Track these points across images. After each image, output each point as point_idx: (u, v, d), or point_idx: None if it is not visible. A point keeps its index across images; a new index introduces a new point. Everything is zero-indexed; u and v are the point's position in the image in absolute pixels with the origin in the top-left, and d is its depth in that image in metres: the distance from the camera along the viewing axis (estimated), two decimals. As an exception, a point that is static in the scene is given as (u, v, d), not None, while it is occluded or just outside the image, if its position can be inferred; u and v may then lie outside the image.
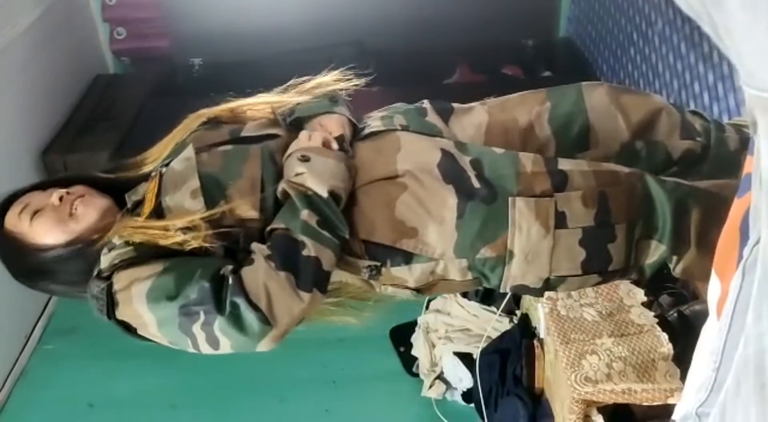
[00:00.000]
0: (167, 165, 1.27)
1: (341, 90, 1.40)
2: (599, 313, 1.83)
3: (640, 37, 2.78)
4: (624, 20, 2.94)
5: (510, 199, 1.19)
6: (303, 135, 1.27)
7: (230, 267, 1.11)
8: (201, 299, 1.08)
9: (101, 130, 2.99)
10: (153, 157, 1.35)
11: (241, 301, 1.07)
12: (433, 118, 1.35)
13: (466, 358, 2.22)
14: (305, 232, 1.12)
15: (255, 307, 1.07)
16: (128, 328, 1.16)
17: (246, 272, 1.10)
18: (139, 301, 1.12)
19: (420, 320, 2.39)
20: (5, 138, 2.62)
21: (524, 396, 1.99)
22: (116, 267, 1.15)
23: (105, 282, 1.15)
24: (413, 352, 2.40)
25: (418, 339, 2.38)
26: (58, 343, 2.65)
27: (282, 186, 1.18)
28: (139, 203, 1.25)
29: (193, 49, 3.61)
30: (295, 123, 1.33)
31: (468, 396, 2.26)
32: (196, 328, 1.09)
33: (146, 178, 1.31)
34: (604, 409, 1.78)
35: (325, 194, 1.15)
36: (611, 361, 1.71)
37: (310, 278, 1.11)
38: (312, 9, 3.55)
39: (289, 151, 1.24)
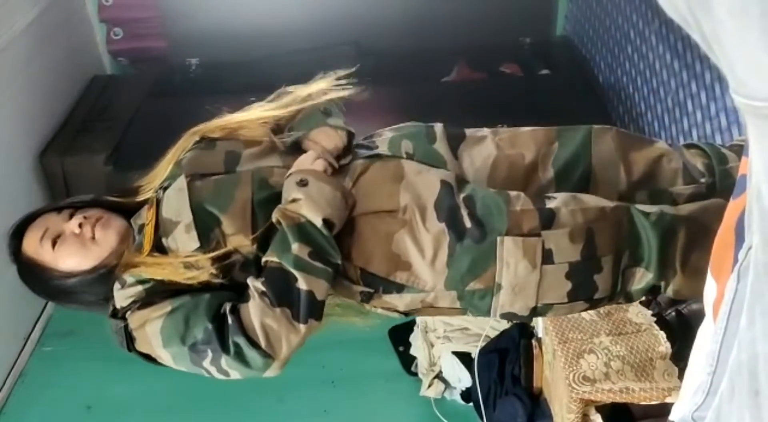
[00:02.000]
0: (165, 189, 1.30)
1: (335, 97, 1.41)
2: (597, 312, 1.84)
3: (637, 36, 2.78)
4: (621, 19, 2.93)
5: (498, 238, 1.22)
6: (303, 157, 1.28)
7: (229, 305, 1.16)
8: (207, 339, 1.15)
9: (99, 132, 2.98)
10: (153, 181, 1.36)
11: (241, 341, 1.13)
12: (441, 145, 1.36)
13: (464, 358, 2.22)
14: (297, 266, 1.15)
15: (255, 345, 1.13)
16: (149, 358, 1.22)
17: (243, 311, 1.15)
18: (153, 339, 1.19)
19: (419, 320, 2.39)
20: (2, 141, 2.61)
21: (523, 395, 2.00)
22: (129, 308, 1.21)
23: (121, 321, 1.21)
24: (412, 352, 2.40)
25: (416, 339, 2.38)
26: (56, 345, 2.65)
27: (276, 215, 1.20)
28: (143, 227, 1.29)
29: (190, 50, 3.60)
30: (295, 145, 1.34)
31: (467, 395, 2.26)
32: (207, 363, 1.16)
33: (140, 203, 1.35)
34: (602, 408, 1.79)
35: (319, 222, 1.17)
36: (609, 360, 1.71)
37: (305, 310, 1.15)
38: (309, 9, 3.54)
39: (290, 171, 1.26)
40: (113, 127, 3.02)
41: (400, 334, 2.48)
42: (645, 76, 2.71)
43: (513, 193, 1.28)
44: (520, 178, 1.36)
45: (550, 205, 1.26)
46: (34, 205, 2.77)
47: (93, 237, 1.26)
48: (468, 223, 1.24)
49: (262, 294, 1.15)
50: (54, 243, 1.26)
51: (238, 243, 1.21)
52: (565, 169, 1.36)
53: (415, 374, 2.38)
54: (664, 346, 1.73)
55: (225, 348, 1.14)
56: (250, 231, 1.21)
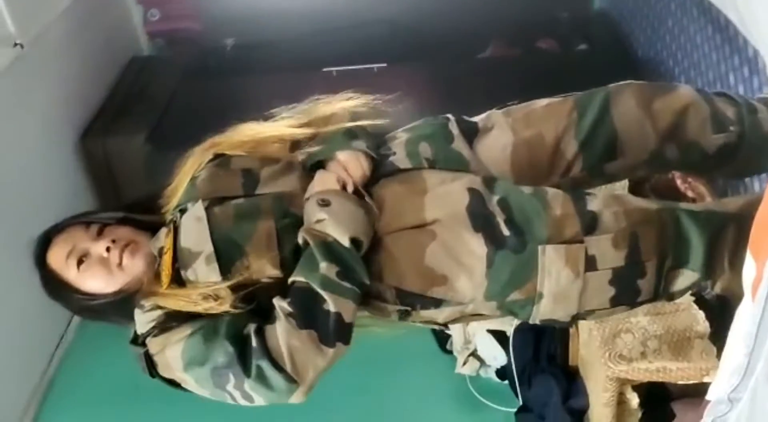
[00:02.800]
0: (182, 211, 1.25)
1: (358, 123, 1.33)
2: (634, 291, 1.82)
3: (678, 8, 2.71)
4: (661, -9, 2.86)
5: (540, 247, 1.17)
6: (319, 176, 1.23)
7: (254, 326, 1.12)
8: (228, 363, 1.10)
9: (137, 113, 3.03)
10: (170, 196, 1.31)
11: (265, 364, 1.08)
12: (459, 144, 1.31)
13: (499, 336, 2.23)
14: (325, 287, 1.10)
15: (279, 368, 1.08)
16: (173, 383, 1.19)
17: (269, 332, 1.11)
18: (173, 364, 1.15)
19: (454, 298, 2.40)
20: (45, 123, 2.67)
21: (558, 373, 2.00)
22: (149, 334, 1.18)
23: (141, 347, 1.18)
24: (447, 330, 2.41)
25: (451, 317, 2.39)
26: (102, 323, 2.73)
27: (302, 234, 1.16)
28: (163, 250, 1.24)
29: (226, 30, 3.63)
30: (316, 166, 1.28)
31: (502, 373, 2.27)
32: (230, 388, 1.12)
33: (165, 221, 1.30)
34: (638, 387, 1.78)
35: (346, 242, 1.13)
36: (646, 339, 1.70)
37: (333, 333, 1.10)
38: (344, -14, 3.54)
39: (307, 194, 1.21)
40: (152, 107, 3.06)
41: (436, 312, 2.49)
42: (685, 50, 2.65)
43: (550, 193, 1.23)
44: (544, 160, 1.31)
45: (592, 206, 1.20)
46: (77, 186, 2.87)
47: (120, 264, 1.23)
48: (506, 231, 1.18)
49: (288, 315, 1.10)
50: (80, 263, 1.23)
51: (265, 272, 1.17)
52: (588, 138, 1.30)
53: (450, 352, 2.40)
54: (703, 326, 1.72)
55: (247, 372, 1.09)
56: (278, 262, 1.17)
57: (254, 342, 1.09)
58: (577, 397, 1.92)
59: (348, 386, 2.37)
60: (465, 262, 1.18)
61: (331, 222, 1.14)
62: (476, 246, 1.18)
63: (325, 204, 1.16)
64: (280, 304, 1.12)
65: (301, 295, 1.12)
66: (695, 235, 1.20)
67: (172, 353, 1.15)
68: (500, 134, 1.33)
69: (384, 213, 1.22)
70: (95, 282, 1.23)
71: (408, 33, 3.50)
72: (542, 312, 1.20)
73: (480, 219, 1.19)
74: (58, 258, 1.25)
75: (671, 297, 1.26)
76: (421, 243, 1.19)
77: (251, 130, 1.32)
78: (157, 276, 1.22)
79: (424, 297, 1.20)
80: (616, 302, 1.21)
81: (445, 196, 1.22)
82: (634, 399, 1.79)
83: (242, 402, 1.14)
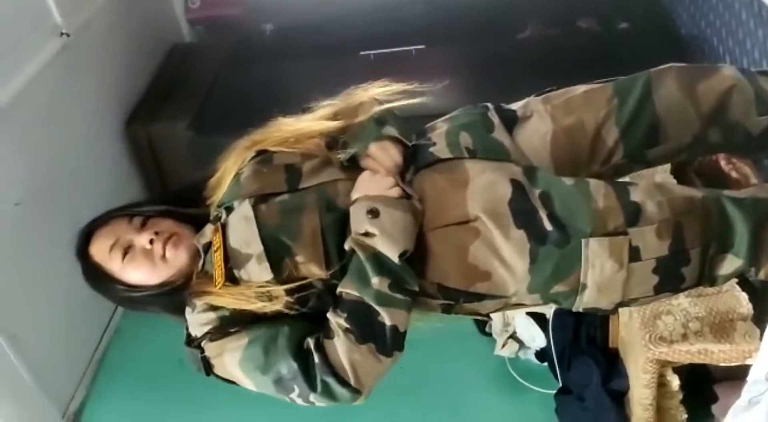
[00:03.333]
0: (228, 209, 1.26)
1: (389, 106, 1.34)
2: (675, 273, 1.80)
3: (723, -16, 2.64)
4: (706, -34, 2.79)
5: (583, 240, 1.17)
6: (372, 180, 1.23)
7: (313, 341, 1.14)
8: (293, 376, 1.14)
9: (180, 99, 3.08)
10: (212, 190, 1.32)
11: (331, 380, 1.12)
12: (500, 133, 1.31)
13: (538, 318, 2.23)
14: (379, 302, 1.13)
15: (345, 383, 1.13)
16: (229, 380, 1.22)
17: (329, 348, 1.13)
18: (232, 369, 1.18)
19: (492, 280, 2.40)
20: (91, 111, 2.74)
21: (598, 355, 1.99)
22: (204, 338, 1.20)
23: (198, 350, 1.21)
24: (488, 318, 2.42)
25: (490, 299, 2.39)
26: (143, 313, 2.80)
27: (350, 244, 1.17)
28: (209, 246, 1.25)
29: (264, 15, 3.65)
30: (352, 160, 1.29)
31: (541, 355, 2.27)
32: (293, 396, 1.16)
33: (208, 214, 1.31)
34: (679, 369, 1.77)
35: (397, 259, 1.14)
36: (687, 321, 1.69)
37: (390, 345, 1.14)
38: (380, -32, 3.53)
39: (354, 195, 1.21)
40: (194, 93, 3.11)
41: (475, 294, 2.50)
42: (730, 27, 2.59)
43: (592, 184, 1.22)
44: (584, 148, 1.30)
45: (634, 197, 1.20)
46: (123, 171, 2.94)
47: (163, 256, 1.24)
48: (548, 226, 1.18)
49: (346, 331, 1.13)
50: (123, 255, 1.24)
51: (311, 273, 1.18)
52: (629, 125, 1.29)
53: (489, 334, 2.40)
54: (746, 308, 1.69)
55: (313, 387, 1.13)
56: (323, 260, 1.18)
57: (317, 358, 1.13)
58: (617, 379, 1.91)
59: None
60: (508, 259, 1.19)
61: (381, 239, 1.15)
62: (519, 242, 1.18)
63: (374, 214, 1.16)
64: (337, 320, 1.14)
65: (356, 310, 1.14)
66: (740, 222, 1.19)
67: (231, 360, 1.18)
68: (539, 122, 1.32)
69: (426, 207, 1.22)
70: (139, 274, 1.25)
71: (445, 14, 3.48)
72: (586, 301, 1.21)
73: (522, 215, 1.19)
74: (101, 250, 1.26)
75: (714, 282, 1.25)
76: (464, 242, 1.20)
77: (289, 126, 1.32)
78: (206, 274, 1.22)
79: (467, 292, 1.22)
80: (660, 289, 1.21)
81: (487, 189, 1.22)
82: (674, 381, 1.77)
83: (303, 405, 1.18)
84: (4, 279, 2.13)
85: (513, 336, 2.31)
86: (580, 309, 1.24)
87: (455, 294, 1.23)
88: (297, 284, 1.17)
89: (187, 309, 1.24)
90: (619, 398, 1.92)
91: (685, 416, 1.87)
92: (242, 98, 2.99)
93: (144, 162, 3.01)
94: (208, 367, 1.21)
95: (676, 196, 1.21)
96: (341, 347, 1.13)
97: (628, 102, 1.29)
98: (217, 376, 1.22)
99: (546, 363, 2.24)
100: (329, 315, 1.16)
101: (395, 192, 1.21)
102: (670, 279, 1.20)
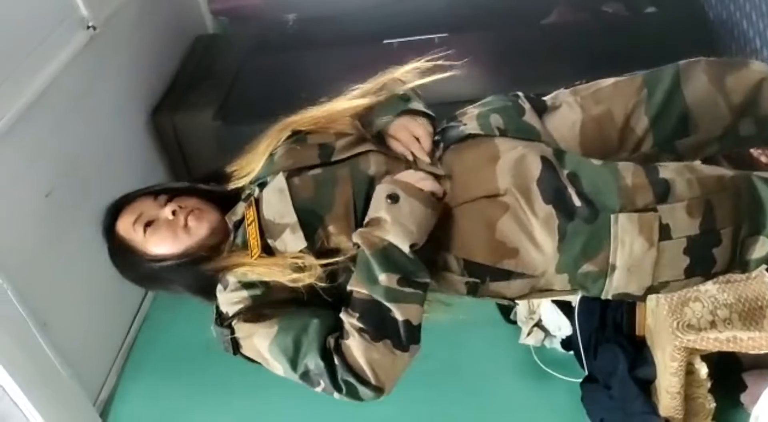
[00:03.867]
0: (261, 185, 1.28)
1: (413, 84, 1.36)
2: (704, 260, 1.78)
3: (753, -35, 2.59)
4: (736, -53, 2.73)
5: (612, 216, 1.16)
6: (408, 173, 1.23)
7: (332, 342, 1.15)
8: (319, 373, 1.15)
9: (205, 89, 3.10)
10: (244, 170, 1.35)
11: (353, 381, 1.13)
12: (531, 117, 1.31)
13: (564, 306, 2.21)
14: (389, 298, 1.13)
15: (365, 382, 1.14)
16: (254, 360, 1.24)
17: (346, 350, 1.14)
18: (262, 352, 1.19)
19: (517, 268, 2.39)
20: (118, 102, 2.78)
21: (625, 343, 1.98)
22: (235, 318, 1.21)
23: (227, 330, 1.22)
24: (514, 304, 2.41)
25: (515, 287, 2.38)
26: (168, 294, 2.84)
27: (356, 238, 1.16)
28: (240, 223, 1.27)
29: (287, 5, 3.66)
30: (379, 135, 1.31)
31: (567, 343, 2.26)
32: (318, 389, 1.18)
33: (238, 192, 1.34)
34: (707, 357, 1.75)
35: (406, 249, 1.14)
36: (715, 308, 1.67)
37: (405, 339, 1.15)
38: (402, -44, 3.51)
39: (385, 180, 1.22)
40: (218, 84, 3.13)
41: (499, 282, 2.49)
42: (760, 9, 2.53)
43: (621, 164, 1.21)
44: (613, 136, 1.30)
45: (664, 175, 1.19)
46: (149, 161, 2.98)
47: (186, 226, 1.26)
48: (577, 202, 1.17)
49: (360, 331, 1.13)
50: (146, 228, 1.27)
51: (343, 244, 1.19)
52: (659, 115, 1.28)
53: (514, 322, 2.40)
54: (776, 294, 1.67)
55: (337, 387, 1.14)
56: (354, 229, 1.19)
57: (337, 360, 1.14)
58: (644, 367, 1.90)
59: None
60: (536, 236, 1.18)
61: (393, 228, 1.14)
62: (547, 218, 1.18)
63: (393, 200, 1.16)
64: (350, 321, 1.14)
65: (369, 308, 1.14)
66: None
67: (260, 344, 1.19)
68: (569, 111, 1.32)
69: (454, 182, 1.23)
70: (160, 243, 1.27)
71: (468, 1, 3.45)
72: (615, 285, 1.19)
73: (551, 191, 1.19)
74: (126, 224, 1.29)
75: (746, 267, 1.23)
76: (493, 217, 1.19)
77: (321, 108, 1.35)
78: (242, 248, 1.24)
79: (494, 269, 1.21)
80: (691, 272, 1.19)
81: (518, 164, 1.22)
82: (702, 369, 1.76)
83: (325, 394, 1.19)
84: (35, 269, 2.17)
85: (538, 325, 2.30)
86: (610, 296, 1.22)
87: (481, 271, 1.22)
88: (324, 249, 1.18)
89: (219, 287, 1.26)
90: (646, 386, 1.91)
91: (714, 404, 1.85)
92: (266, 88, 3.00)
93: (170, 152, 3.04)
94: (236, 347, 1.22)
95: (706, 175, 1.19)
96: (358, 347, 1.13)
97: (658, 92, 1.29)
98: (244, 356, 1.23)
99: (572, 352, 2.23)
100: (342, 315, 1.16)
101: (425, 184, 1.20)
102: (702, 261, 1.18)
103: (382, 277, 1.13)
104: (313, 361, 1.14)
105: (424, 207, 1.17)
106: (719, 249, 1.18)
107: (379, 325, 1.13)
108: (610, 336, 2.04)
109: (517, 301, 1.32)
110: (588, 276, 1.20)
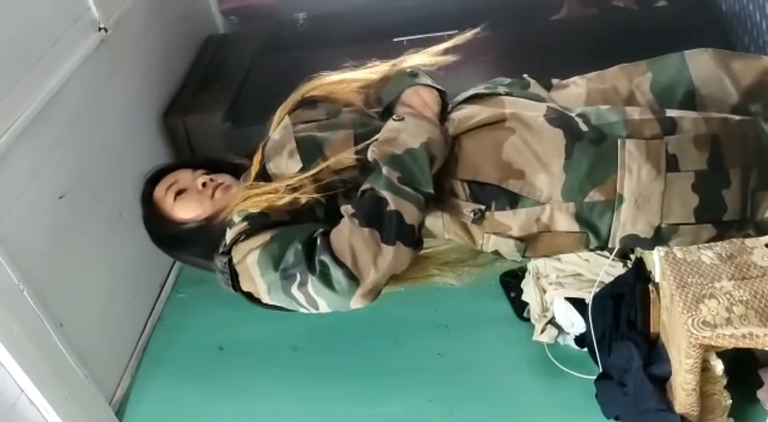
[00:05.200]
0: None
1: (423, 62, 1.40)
2: (718, 256, 1.77)
3: (766, -42, 2.56)
4: (748, -60, 2.71)
5: (619, 140, 1.16)
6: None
7: (321, 229, 1.17)
8: (296, 261, 1.14)
9: (216, 90, 3.11)
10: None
11: (327, 259, 1.11)
12: (536, 89, 1.36)
13: (577, 303, 2.21)
14: (386, 187, 1.14)
15: (341, 264, 1.10)
16: (252, 298, 1.25)
17: (333, 232, 1.15)
18: (252, 270, 1.20)
19: (530, 266, 2.39)
20: (129, 104, 2.79)
21: (639, 339, 1.97)
22: (235, 242, 1.24)
23: (226, 256, 1.24)
24: (523, 298, 2.41)
25: (528, 285, 2.38)
26: (189, 292, 2.85)
27: (372, 149, 1.20)
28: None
29: (297, 3, 3.66)
30: (386, 111, 1.33)
31: (581, 340, 2.25)
32: (295, 290, 1.15)
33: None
34: (723, 354, 1.74)
35: (417, 145, 1.16)
36: (731, 305, 1.65)
37: (393, 232, 1.12)
38: (412, -47, 3.50)
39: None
40: (229, 84, 3.14)
41: (512, 280, 2.49)
42: (775, 2, 2.51)
43: (629, 107, 1.24)
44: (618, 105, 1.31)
45: (671, 114, 1.20)
46: (161, 161, 2.97)
47: (212, 197, 1.35)
48: (584, 128, 1.20)
49: (351, 215, 1.15)
50: (177, 196, 1.37)
51: (342, 162, 1.23)
52: (664, 91, 1.29)
53: (527, 319, 2.39)
54: (792, 290, 1.65)
55: (311, 268, 1.12)
56: (353, 150, 1.24)
57: (319, 241, 1.14)
58: (659, 364, 1.89)
59: (427, 350, 2.42)
60: (543, 155, 1.19)
61: (404, 134, 1.18)
62: (555, 138, 1.19)
63: (399, 118, 1.22)
64: (346, 208, 1.17)
65: (366, 198, 1.16)
66: None
67: (252, 258, 1.20)
68: (575, 88, 1.36)
69: (458, 116, 1.27)
70: (185, 210, 1.36)
71: (479, -4, 3.44)
72: (623, 222, 1.18)
73: (558, 120, 1.22)
74: (161, 190, 1.40)
75: (760, 226, 1.22)
76: (499, 138, 1.21)
77: (332, 78, 1.43)
78: (245, 181, 1.32)
79: (499, 189, 1.21)
80: (700, 215, 1.18)
81: (524, 108, 1.26)
82: (718, 366, 1.74)
83: (308, 308, 1.16)
84: (51, 271, 2.18)
85: (552, 322, 2.29)
86: (617, 241, 1.21)
87: (487, 193, 1.21)
88: (320, 171, 1.22)
89: (227, 229, 1.29)
90: (661, 383, 1.90)
91: (730, 401, 1.84)
92: (277, 87, 2.97)
93: (181, 152, 3.04)
94: (234, 279, 1.23)
95: (713, 116, 1.20)
96: (344, 230, 1.13)
97: (663, 73, 1.31)
98: (242, 292, 1.24)
99: (585, 349, 2.22)
100: (341, 206, 1.18)
101: (429, 111, 1.26)
102: (711, 201, 1.17)
103: (385, 169, 1.15)
104: (292, 250, 1.14)
105: (432, 124, 1.21)
106: (728, 191, 1.17)
107: (371, 212, 1.13)
108: (624, 332, 2.03)
109: (526, 247, 1.25)
110: (595, 208, 1.19)
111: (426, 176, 1.16)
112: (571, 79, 1.40)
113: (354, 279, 1.11)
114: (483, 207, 1.22)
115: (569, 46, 2.89)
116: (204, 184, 1.36)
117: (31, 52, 2.18)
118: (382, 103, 1.34)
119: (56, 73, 2.27)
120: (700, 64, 1.30)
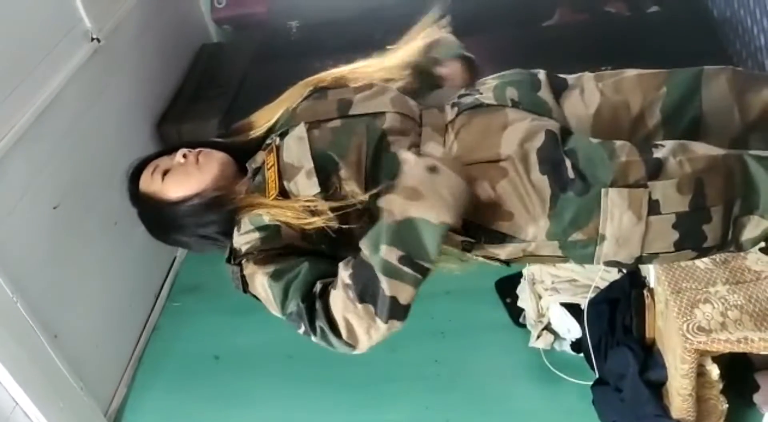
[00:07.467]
0: (281, 135, 1.35)
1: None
2: (713, 260, 1.77)
3: (756, -37, 2.58)
4: (738, -55, 2.73)
5: (603, 190, 1.19)
6: (433, 147, 1.24)
7: (320, 287, 1.16)
8: (299, 315, 1.17)
9: (210, 98, 3.11)
10: (262, 121, 1.45)
11: (325, 327, 1.15)
12: (545, 93, 1.35)
13: (573, 309, 2.21)
14: (383, 271, 1.10)
15: (338, 334, 1.15)
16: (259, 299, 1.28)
17: (330, 299, 1.15)
18: (261, 291, 1.24)
19: (525, 271, 2.39)
20: (123, 113, 2.78)
21: (634, 345, 1.97)
22: (244, 257, 1.25)
23: (237, 268, 1.26)
24: (519, 304, 2.41)
25: (523, 291, 2.38)
26: (184, 300, 2.85)
27: (383, 203, 1.14)
28: (258, 170, 1.35)
29: (290, 12, 3.67)
30: (430, 64, 1.46)
31: (577, 346, 2.25)
32: (300, 332, 1.20)
33: (259, 143, 1.43)
34: (719, 358, 1.74)
35: (437, 222, 1.10)
36: (726, 310, 1.66)
37: (386, 311, 1.11)
38: (403, -39, 3.51)
39: (421, 150, 1.26)
40: (223, 93, 3.14)
41: (507, 286, 2.49)
42: (764, 6, 2.52)
43: (618, 143, 1.24)
44: (625, 127, 1.32)
45: (657, 154, 1.21)
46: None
47: (197, 163, 1.36)
48: (571, 175, 1.21)
49: (346, 286, 1.13)
50: (163, 177, 1.37)
51: (352, 191, 1.24)
52: (672, 115, 1.30)
53: (524, 325, 2.39)
54: (787, 294, 1.66)
55: (313, 330, 1.16)
56: (363, 181, 1.25)
57: (318, 305, 1.15)
58: (655, 369, 1.89)
59: (423, 357, 2.42)
60: (529, 202, 1.22)
61: (430, 199, 1.11)
62: (542, 187, 1.21)
63: (432, 170, 1.13)
64: (342, 273, 1.14)
65: (362, 270, 1.13)
66: (764, 180, 1.18)
67: (260, 281, 1.23)
68: (588, 94, 1.37)
69: (458, 145, 1.28)
70: (176, 185, 1.35)
71: (470, 4, 3.45)
72: (605, 253, 1.23)
73: (548, 163, 1.22)
74: (145, 178, 1.40)
75: (740, 246, 1.24)
76: (492, 180, 1.23)
77: (345, 69, 1.47)
78: (259, 189, 1.32)
79: (489, 230, 1.24)
80: (680, 246, 1.21)
81: (523, 134, 1.26)
82: (714, 371, 1.75)
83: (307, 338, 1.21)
84: (44, 282, 2.17)
85: (548, 328, 2.29)
86: (601, 263, 1.25)
87: (478, 231, 1.25)
88: (340, 204, 1.23)
89: (235, 230, 1.30)
90: (657, 388, 1.90)
91: (726, 405, 1.84)
92: (271, 96, 3.00)
93: (176, 162, 3.04)
94: (244, 284, 1.27)
95: (699, 155, 1.21)
96: (338, 301, 1.13)
97: (676, 93, 1.31)
98: (252, 294, 1.28)
99: (582, 354, 2.22)
100: (340, 265, 1.17)
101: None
102: (691, 236, 1.20)
103: (383, 249, 1.10)
104: (295, 303, 1.17)
105: (462, 179, 1.15)
106: (709, 225, 1.20)
107: (365, 290, 1.11)
108: (619, 338, 2.03)
109: (511, 263, 1.33)
110: (577, 244, 1.23)
111: (435, 249, 1.12)
112: (586, 81, 1.38)
113: (350, 345, 1.16)
114: (473, 240, 1.26)
115: (562, 51, 2.90)
116: (184, 156, 1.37)
117: (25, 63, 2.18)
118: (439, 56, 1.45)
119: (50, 84, 2.27)
120: (714, 89, 1.30)
